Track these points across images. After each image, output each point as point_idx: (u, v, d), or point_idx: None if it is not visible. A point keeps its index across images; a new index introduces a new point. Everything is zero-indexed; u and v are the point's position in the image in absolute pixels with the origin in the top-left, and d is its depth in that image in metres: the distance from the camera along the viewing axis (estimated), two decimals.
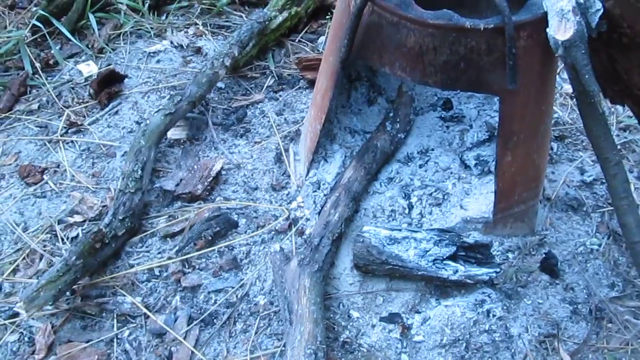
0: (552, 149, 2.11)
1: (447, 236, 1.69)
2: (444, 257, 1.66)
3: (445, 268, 1.66)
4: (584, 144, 2.16)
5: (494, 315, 1.66)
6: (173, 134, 2.17)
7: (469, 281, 1.67)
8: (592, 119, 1.28)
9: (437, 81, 1.53)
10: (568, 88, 2.37)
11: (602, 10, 1.32)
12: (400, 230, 1.71)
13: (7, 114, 2.30)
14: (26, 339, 1.65)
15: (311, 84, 2.39)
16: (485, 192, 1.82)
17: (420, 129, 2.00)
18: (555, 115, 2.23)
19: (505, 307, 1.69)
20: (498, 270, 1.67)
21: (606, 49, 1.45)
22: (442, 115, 2.03)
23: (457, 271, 1.66)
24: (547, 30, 1.35)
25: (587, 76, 1.21)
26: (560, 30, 1.29)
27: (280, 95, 2.38)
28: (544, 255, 1.80)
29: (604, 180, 1.98)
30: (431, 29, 1.44)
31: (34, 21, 2.59)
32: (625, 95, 1.52)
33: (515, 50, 1.40)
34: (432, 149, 1.95)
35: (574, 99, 1.67)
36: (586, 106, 1.27)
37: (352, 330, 1.66)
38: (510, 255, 1.80)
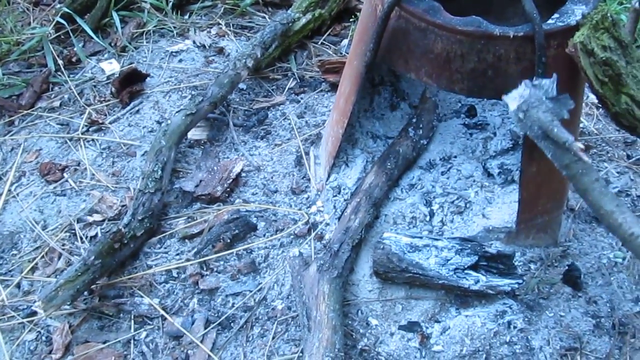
0: None
1: (469, 245, 1.66)
2: (466, 266, 1.64)
3: (467, 278, 1.64)
4: (609, 154, 2.13)
5: (515, 327, 1.64)
6: (193, 134, 2.16)
7: (490, 291, 1.65)
8: (593, 192, 1.15)
9: (463, 88, 1.50)
10: (594, 98, 2.34)
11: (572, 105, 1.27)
12: (421, 237, 1.69)
13: (29, 111, 2.31)
14: (44, 338, 1.64)
15: (333, 86, 2.37)
16: (508, 201, 1.79)
17: (443, 136, 1.98)
18: (581, 126, 2.20)
19: (526, 319, 1.66)
20: (520, 281, 1.65)
21: None
22: (466, 122, 2.01)
23: (478, 281, 1.63)
24: (509, 112, 1.27)
25: (555, 130, 1.12)
26: (515, 102, 1.21)
27: (301, 98, 2.37)
28: (566, 267, 1.77)
29: (629, 192, 1.96)
30: (459, 35, 1.42)
31: (57, 18, 2.59)
32: None
33: (545, 59, 1.37)
34: (455, 156, 1.93)
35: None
36: (583, 179, 1.16)
37: (370, 338, 1.64)
38: (532, 266, 1.77)
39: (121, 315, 1.70)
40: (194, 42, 2.63)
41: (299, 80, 2.46)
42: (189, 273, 1.77)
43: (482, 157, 1.91)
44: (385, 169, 1.84)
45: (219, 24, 2.76)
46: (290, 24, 2.50)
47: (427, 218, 1.82)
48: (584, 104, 2.29)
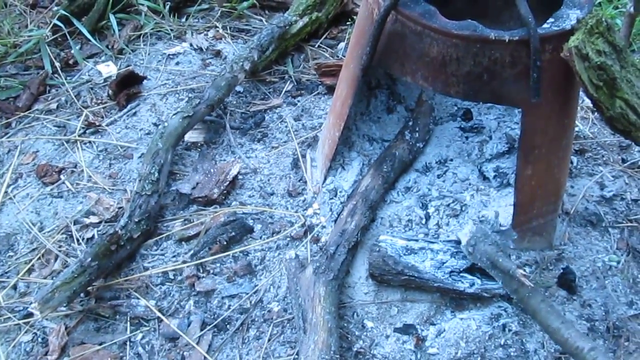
0: (572, 162, 2.09)
1: None
2: (461, 269, 1.64)
3: (462, 280, 1.64)
4: (604, 158, 2.14)
5: (509, 330, 1.64)
6: (190, 136, 2.17)
7: (485, 294, 1.65)
8: (540, 312, 1.23)
9: (459, 92, 1.51)
10: (589, 102, 2.35)
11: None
12: (417, 240, 1.70)
13: (26, 113, 2.31)
14: (40, 339, 1.64)
15: (330, 89, 2.38)
16: (504, 204, 1.80)
17: (439, 139, 1.98)
18: (576, 129, 2.21)
19: (521, 322, 1.66)
20: None
21: None
22: (462, 126, 2.02)
23: (473, 284, 1.64)
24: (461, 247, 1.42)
25: (500, 260, 1.21)
26: (465, 237, 1.29)
27: (298, 101, 2.38)
28: (561, 271, 1.78)
29: (624, 196, 1.96)
30: (455, 39, 1.43)
31: (55, 21, 2.60)
32: None
33: (541, 63, 1.38)
34: (451, 160, 1.93)
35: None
36: (530, 302, 1.24)
37: (366, 341, 1.65)
38: (527, 269, 1.77)
39: (117, 316, 1.70)
40: (191, 44, 2.64)
41: (295, 83, 2.47)
42: (186, 275, 1.78)
43: (478, 160, 1.92)
44: (382, 171, 1.85)
45: (216, 26, 2.76)
46: (287, 27, 2.51)
47: (423, 221, 1.82)
48: (579, 108, 2.30)
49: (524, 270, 1.21)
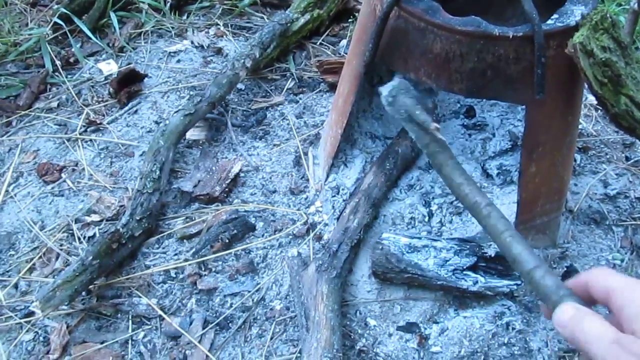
0: (575, 160, 2.08)
1: (468, 246, 1.66)
2: (464, 267, 1.64)
3: (465, 278, 1.63)
4: (607, 156, 2.13)
5: (513, 329, 1.64)
6: (192, 134, 2.16)
7: (488, 293, 1.64)
8: (447, 167, 1.24)
9: (462, 89, 1.50)
10: (592, 99, 2.34)
11: None
12: (420, 238, 1.69)
13: (26, 112, 2.30)
14: (41, 338, 1.64)
15: (332, 87, 2.37)
16: (507, 202, 1.79)
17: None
18: (580, 127, 2.20)
19: (525, 321, 1.66)
20: (519, 282, 1.64)
21: None
22: (465, 123, 2.01)
23: (477, 282, 1.63)
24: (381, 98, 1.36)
25: (418, 112, 1.21)
26: (387, 89, 1.29)
27: (300, 98, 2.37)
28: (565, 269, 1.77)
29: (627, 194, 1.96)
30: (459, 35, 1.41)
31: (55, 19, 2.59)
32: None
33: (545, 59, 1.37)
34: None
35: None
36: (438, 156, 1.25)
37: (368, 339, 1.64)
38: None
39: (119, 315, 1.69)
40: (192, 42, 2.63)
41: (297, 81, 2.46)
42: (187, 273, 1.77)
43: (481, 157, 1.91)
44: (384, 169, 1.84)
45: (217, 24, 2.76)
46: (288, 25, 2.50)
47: (426, 219, 1.81)
48: (582, 105, 2.29)
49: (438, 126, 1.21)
